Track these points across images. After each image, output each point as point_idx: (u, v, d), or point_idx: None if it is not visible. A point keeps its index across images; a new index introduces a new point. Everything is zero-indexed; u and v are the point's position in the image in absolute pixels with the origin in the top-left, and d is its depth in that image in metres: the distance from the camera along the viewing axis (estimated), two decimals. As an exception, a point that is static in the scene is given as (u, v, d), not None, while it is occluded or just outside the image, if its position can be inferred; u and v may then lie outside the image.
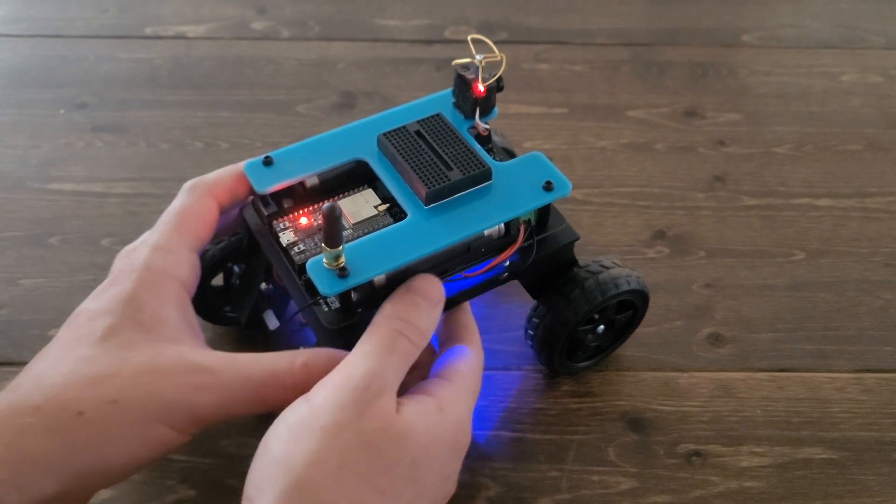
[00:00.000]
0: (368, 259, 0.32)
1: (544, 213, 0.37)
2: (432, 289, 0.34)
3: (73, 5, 0.63)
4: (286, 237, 0.35)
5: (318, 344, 0.36)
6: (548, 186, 0.35)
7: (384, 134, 0.36)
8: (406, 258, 0.33)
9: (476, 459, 0.39)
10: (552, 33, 0.63)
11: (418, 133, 0.36)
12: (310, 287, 0.34)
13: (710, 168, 0.53)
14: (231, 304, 0.41)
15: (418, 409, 0.31)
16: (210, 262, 0.38)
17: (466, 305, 0.37)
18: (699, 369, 0.43)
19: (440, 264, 0.35)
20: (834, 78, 0.60)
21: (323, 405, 0.29)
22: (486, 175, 0.35)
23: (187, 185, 0.36)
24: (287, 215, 0.36)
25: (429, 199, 0.34)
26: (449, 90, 0.39)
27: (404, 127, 0.36)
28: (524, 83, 0.59)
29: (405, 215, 0.35)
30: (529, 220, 0.37)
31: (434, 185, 0.34)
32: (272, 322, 0.41)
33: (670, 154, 0.54)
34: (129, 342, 0.31)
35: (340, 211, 0.30)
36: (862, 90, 0.59)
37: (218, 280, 0.40)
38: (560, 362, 0.41)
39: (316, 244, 0.35)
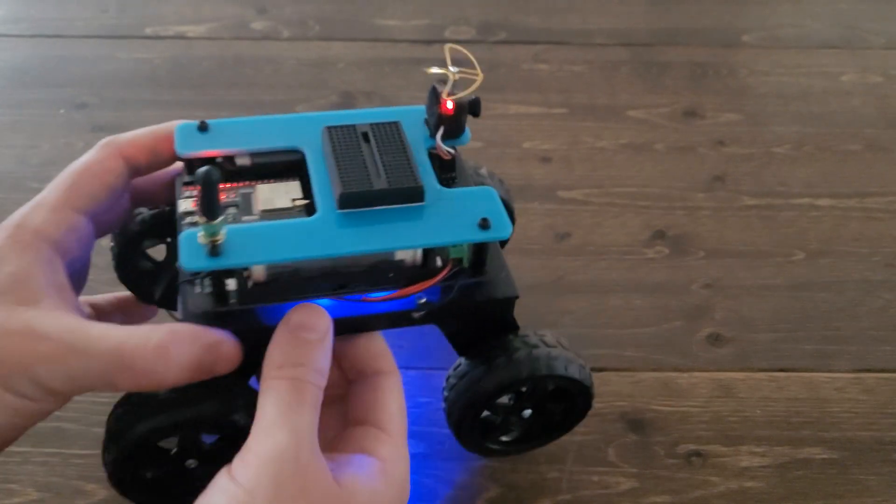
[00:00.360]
0: (252, 246, 0.29)
1: (480, 254, 0.32)
2: (315, 318, 0.30)
3: (72, 5, 0.63)
4: (184, 205, 0.32)
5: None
6: (483, 224, 0.31)
7: (329, 127, 0.33)
8: (295, 254, 0.30)
9: (476, 460, 0.39)
10: (552, 33, 0.63)
11: (364, 135, 0.33)
12: None
13: (709, 168, 0.53)
14: (152, 284, 0.37)
15: (361, 476, 0.28)
16: (139, 227, 0.35)
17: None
18: (699, 369, 0.43)
19: (337, 276, 0.31)
20: (834, 78, 0.60)
21: (258, 486, 0.26)
22: (415, 193, 0.31)
23: (102, 141, 0.34)
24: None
25: (342, 202, 0.31)
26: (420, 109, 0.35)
27: (353, 126, 0.33)
28: (524, 83, 0.59)
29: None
30: (460, 260, 0.32)
31: (351, 188, 0.31)
32: None
33: (670, 154, 0.54)
34: None
35: (218, 177, 0.27)
36: (862, 90, 0.59)
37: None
38: (468, 435, 0.36)
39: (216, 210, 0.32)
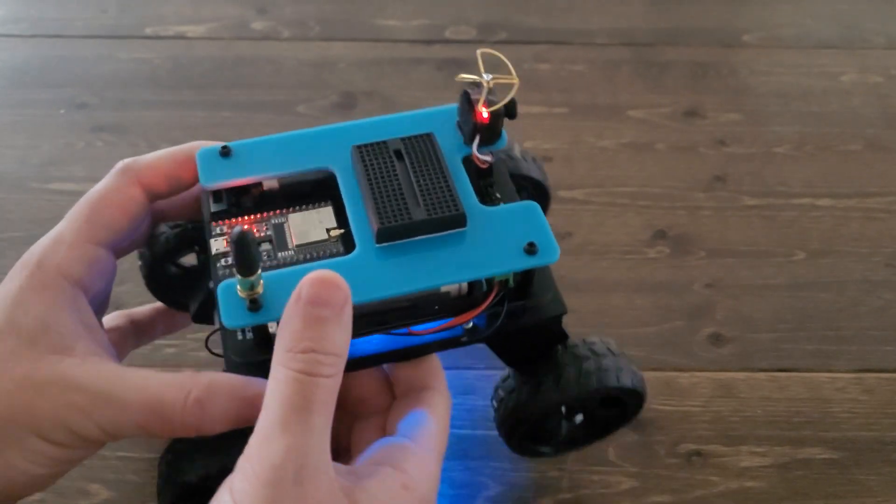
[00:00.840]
0: (282, 297, 0.27)
1: (527, 277, 0.31)
2: (330, 290, 0.26)
3: (72, 5, 0.63)
4: (217, 245, 0.30)
5: (227, 370, 0.31)
6: (530, 249, 0.29)
7: (358, 147, 0.31)
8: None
9: (476, 459, 0.39)
10: (553, 33, 0.63)
11: (397, 153, 0.31)
12: None
13: (710, 168, 0.53)
14: (186, 292, 0.36)
15: (378, 491, 0.26)
16: (163, 247, 0.34)
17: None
18: (700, 369, 0.43)
19: (381, 314, 0.30)
20: (834, 78, 0.60)
21: None
22: (458, 220, 0.30)
23: (119, 165, 0.32)
24: (229, 219, 0.31)
25: (380, 237, 0.29)
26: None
27: (385, 142, 0.31)
28: (524, 83, 0.58)
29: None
30: (507, 282, 0.31)
31: (389, 222, 0.29)
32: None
33: (671, 154, 0.54)
34: (11, 351, 0.28)
35: (252, 237, 0.26)
36: (862, 90, 0.59)
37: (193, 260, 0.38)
38: (519, 443, 0.36)
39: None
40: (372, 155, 0.31)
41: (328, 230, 0.31)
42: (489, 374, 0.42)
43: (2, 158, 0.52)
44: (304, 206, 0.32)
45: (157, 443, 0.37)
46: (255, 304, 0.27)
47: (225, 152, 0.31)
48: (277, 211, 0.32)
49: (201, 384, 0.28)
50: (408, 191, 0.30)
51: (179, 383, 0.28)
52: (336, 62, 0.60)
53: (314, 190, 0.32)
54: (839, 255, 0.49)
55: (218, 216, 0.31)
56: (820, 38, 0.64)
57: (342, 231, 0.31)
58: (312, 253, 0.30)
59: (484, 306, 0.30)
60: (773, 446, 0.40)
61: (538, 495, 0.38)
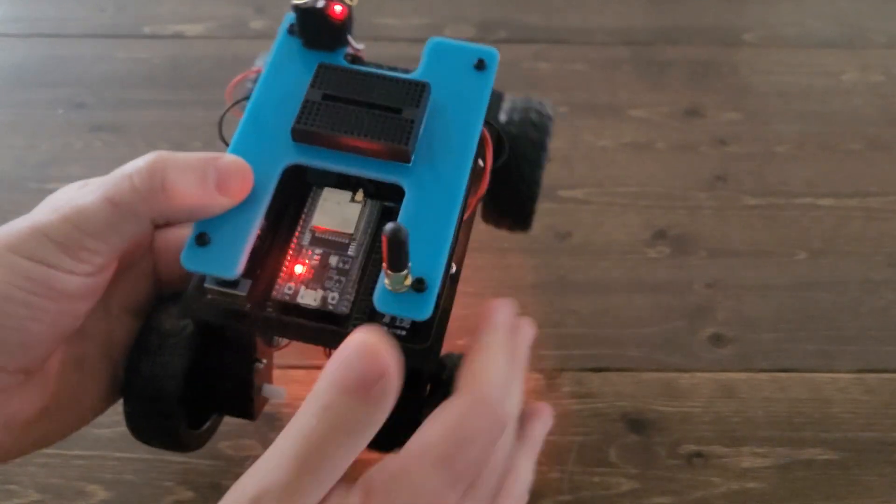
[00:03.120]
0: (421, 256, 0.27)
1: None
2: (376, 357, 0.24)
3: (70, 5, 0.63)
4: (307, 298, 0.28)
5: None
6: (480, 65, 0.31)
7: (297, 123, 0.30)
8: (449, 226, 0.28)
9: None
10: (552, 32, 0.63)
11: (326, 97, 0.30)
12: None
13: (711, 167, 0.53)
14: (220, 406, 0.34)
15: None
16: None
17: (543, 410, 0.32)
18: (700, 370, 0.43)
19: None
20: (835, 77, 0.60)
21: None
22: (425, 90, 0.30)
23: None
24: (276, 276, 0.29)
25: (409, 156, 0.29)
26: (283, 38, 0.33)
27: (306, 100, 0.30)
28: (524, 82, 0.58)
29: (390, 189, 0.29)
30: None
31: (403, 138, 0.29)
32: (278, 394, 0.34)
33: (671, 153, 0.54)
34: None
35: (406, 235, 0.25)
36: (863, 89, 0.59)
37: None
38: None
39: (325, 278, 0.29)
40: (313, 116, 0.30)
41: (353, 200, 0.30)
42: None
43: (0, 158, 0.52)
44: (306, 210, 0.31)
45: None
46: (420, 285, 0.27)
47: (202, 241, 0.28)
48: (294, 234, 0.30)
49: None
50: (377, 108, 0.30)
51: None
52: (335, 61, 0.60)
53: (291, 194, 0.31)
54: (840, 255, 0.49)
55: (258, 293, 0.29)
56: (821, 36, 0.63)
57: (362, 189, 0.30)
58: None
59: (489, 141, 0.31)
60: (774, 447, 0.40)
61: (538, 497, 0.38)
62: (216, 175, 0.28)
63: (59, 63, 0.59)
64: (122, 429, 0.32)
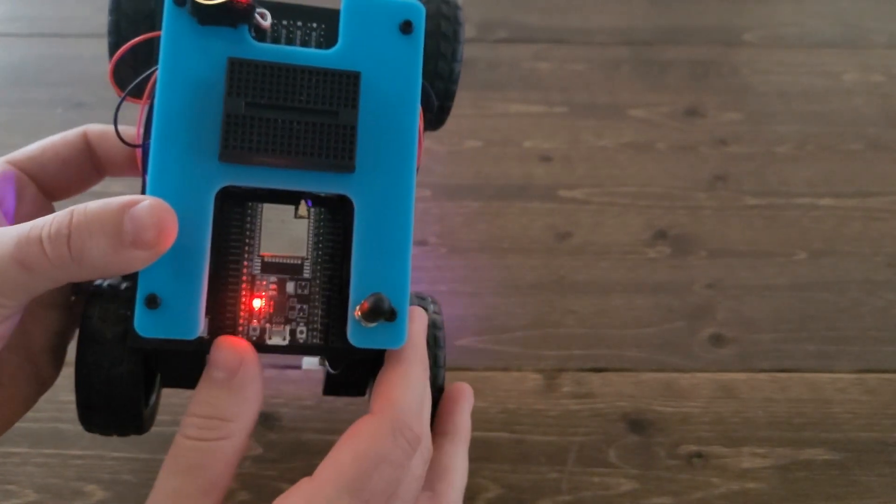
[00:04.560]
0: (384, 279, 0.26)
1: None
2: (225, 352, 0.26)
3: (70, 4, 0.63)
4: (276, 338, 0.27)
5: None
6: (406, 27, 0.27)
7: (223, 146, 0.26)
8: (406, 240, 0.27)
9: (475, 461, 0.38)
10: (552, 32, 0.63)
11: (249, 106, 0.26)
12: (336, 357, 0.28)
13: (711, 167, 0.53)
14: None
15: None
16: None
17: (462, 393, 0.32)
18: (700, 370, 0.43)
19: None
20: (836, 77, 0.60)
21: None
22: (358, 83, 0.27)
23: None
24: (236, 311, 0.27)
25: (351, 164, 0.27)
26: (170, 10, 0.27)
27: (227, 114, 0.26)
28: (524, 82, 0.58)
29: (340, 200, 0.28)
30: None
31: (345, 151, 0.26)
32: (312, 363, 0.34)
33: (671, 153, 0.54)
34: None
35: (389, 301, 0.26)
36: (864, 89, 0.59)
37: None
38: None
39: (288, 308, 0.27)
40: (239, 131, 0.26)
41: (297, 216, 0.28)
42: (488, 375, 0.42)
43: (-1, 158, 0.52)
44: (247, 232, 0.28)
45: (155, 443, 0.37)
46: (392, 315, 0.27)
47: (152, 303, 0.26)
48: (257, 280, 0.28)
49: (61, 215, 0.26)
50: (309, 114, 0.27)
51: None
52: (335, 61, 0.60)
53: (229, 217, 0.28)
54: (841, 256, 0.48)
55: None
56: (821, 36, 0.63)
57: (305, 201, 0.28)
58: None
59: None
60: (774, 447, 0.40)
61: (538, 497, 0.38)
62: (133, 229, 0.25)
63: (59, 63, 0.59)
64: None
